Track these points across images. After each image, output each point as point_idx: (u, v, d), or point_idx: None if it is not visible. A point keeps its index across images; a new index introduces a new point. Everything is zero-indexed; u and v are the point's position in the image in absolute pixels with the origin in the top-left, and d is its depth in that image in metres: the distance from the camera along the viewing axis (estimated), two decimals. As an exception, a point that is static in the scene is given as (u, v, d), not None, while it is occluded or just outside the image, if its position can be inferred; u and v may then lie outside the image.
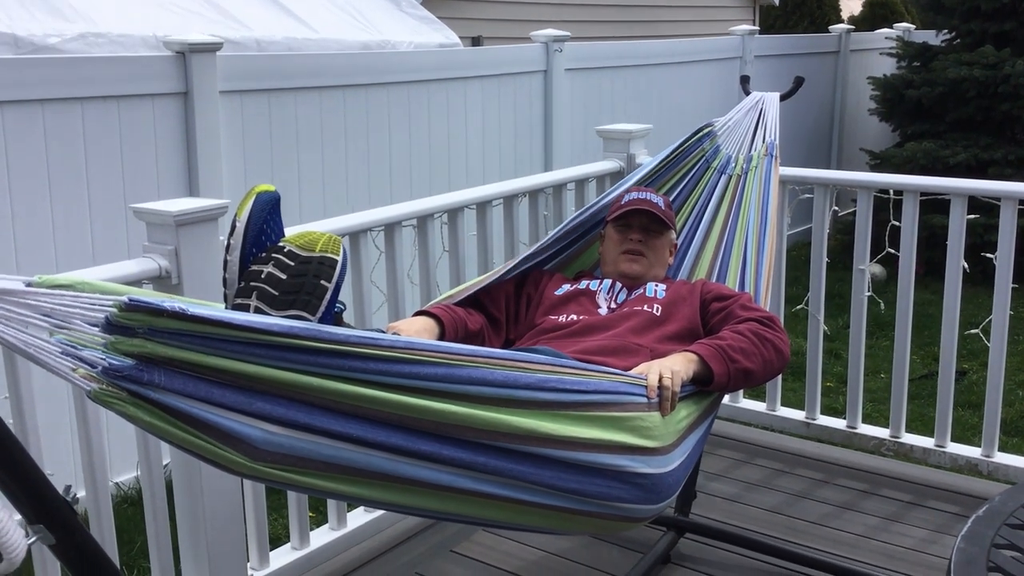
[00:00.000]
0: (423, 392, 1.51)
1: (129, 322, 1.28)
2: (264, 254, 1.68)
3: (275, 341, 1.39)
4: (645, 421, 1.76)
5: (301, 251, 1.68)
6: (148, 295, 1.41)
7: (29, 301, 1.28)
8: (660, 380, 1.84)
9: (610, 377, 1.79)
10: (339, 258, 1.69)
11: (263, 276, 1.64)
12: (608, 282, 2.38)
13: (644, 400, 1.79)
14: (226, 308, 1.65)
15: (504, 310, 2.34)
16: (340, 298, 1.72)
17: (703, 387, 2.00)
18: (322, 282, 1.64)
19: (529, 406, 1.62)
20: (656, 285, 2.36)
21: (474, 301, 2.31)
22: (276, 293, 1.63)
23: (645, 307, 2.25)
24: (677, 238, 2.61)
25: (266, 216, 1.73)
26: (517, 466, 1.60)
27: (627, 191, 2.55)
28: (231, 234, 1.72)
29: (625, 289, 2.36)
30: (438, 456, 1.53)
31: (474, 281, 2.38)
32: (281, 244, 1.69)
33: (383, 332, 1.88)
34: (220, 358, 1.35)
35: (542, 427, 1.61)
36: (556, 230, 2.55)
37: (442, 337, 2.08)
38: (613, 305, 2.30)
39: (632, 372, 1.89)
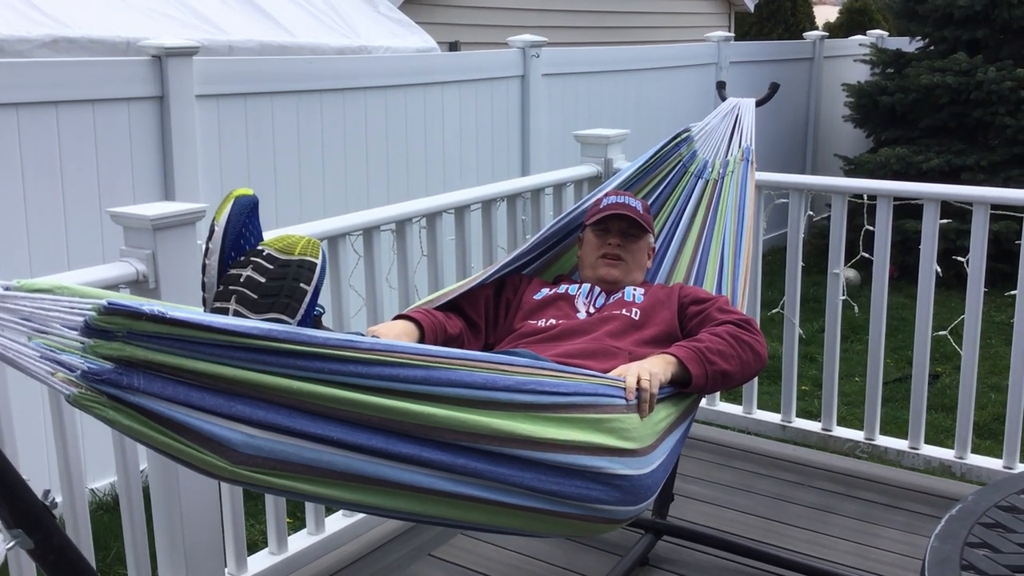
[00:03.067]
0: (402, 394, 1.52)
1: (108, 326, 1.28)
2: (243, 258, 1.68)
3: (254, 344, 1.39)
4: (624, 423, 1.77)
5: (280, 254, 1.67)
6: (127, 299, 1.41)
7: (8, 305, 1.27)
8: (638, 382, 1.85)
9: (589, 379, 1.80)
10: (318, 261, 1.69)
11: (242, 279, 1.64)
12: (587, 286, 2.39)
13: (623, 402, 1.80)
14: (205, 312, 1.64)
15: (483, 314, 2.35)
16: (319, 302, 1.72)
17: (681, 389, 2.01)
18: (301, 285, 1.64)
19: (508, 408, 1.62)
20: (634, 289, 2.37)
21: (453, 306, 2.31)
22: (255, 296, 1.62)
23: (623, 311, 2.27)
24: (655, 242, 2.63)
25: (245, 220, 1.72)
26: (496, 468, 1.60)
27: (605, 195, 2.57)
28: (210, 238, 1.71)
29: (604, 293, 2.37)
30: (417, 458, 1.53)
31: (454, 286, 2.38)
32: (260, 247, 1.69)
33: (362, 335, 1.88)
34: (199, 361, 1.35)
35: (521, 429, 1.62)
36: (535, 237, 2.56)
37: (422, 341, 2.09)
38: (592, 309, 2.31)
39: (611, 374, 1.90)
